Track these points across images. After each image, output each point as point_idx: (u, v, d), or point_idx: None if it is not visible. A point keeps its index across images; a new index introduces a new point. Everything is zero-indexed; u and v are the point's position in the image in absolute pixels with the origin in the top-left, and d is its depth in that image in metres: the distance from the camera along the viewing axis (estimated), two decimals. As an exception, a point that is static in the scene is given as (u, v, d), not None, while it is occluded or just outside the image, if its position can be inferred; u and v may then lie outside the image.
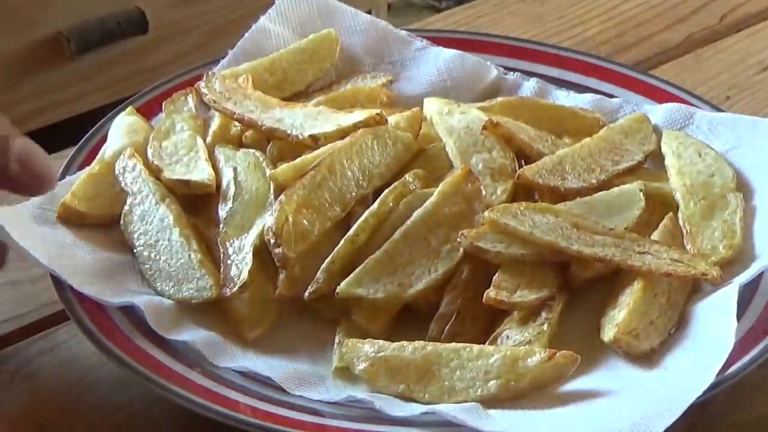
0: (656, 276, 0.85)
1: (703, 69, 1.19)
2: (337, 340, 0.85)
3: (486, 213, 0.87)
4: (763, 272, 0.87)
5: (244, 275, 0.85)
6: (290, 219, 0.87)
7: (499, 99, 1.04)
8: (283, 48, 1.07)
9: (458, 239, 0.86)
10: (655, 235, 0.89)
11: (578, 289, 0.88)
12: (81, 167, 0.96)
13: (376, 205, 0.89)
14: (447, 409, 0.77)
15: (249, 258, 0.86)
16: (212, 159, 0.95)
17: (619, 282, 0.86)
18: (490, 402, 0.79)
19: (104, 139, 0.98)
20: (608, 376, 0.82)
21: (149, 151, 0.95)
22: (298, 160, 0.92)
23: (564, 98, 1.05)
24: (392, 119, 0.96)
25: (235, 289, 0.85)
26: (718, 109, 1.03)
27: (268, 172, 0.92)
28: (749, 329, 0.84)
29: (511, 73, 1.08)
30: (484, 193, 0.91)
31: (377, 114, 0.94)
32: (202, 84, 0.99)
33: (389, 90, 1.06)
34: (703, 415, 0.82)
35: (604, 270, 0.87)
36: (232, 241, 0.88)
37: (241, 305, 0.86)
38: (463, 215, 0.89)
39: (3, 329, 0.91)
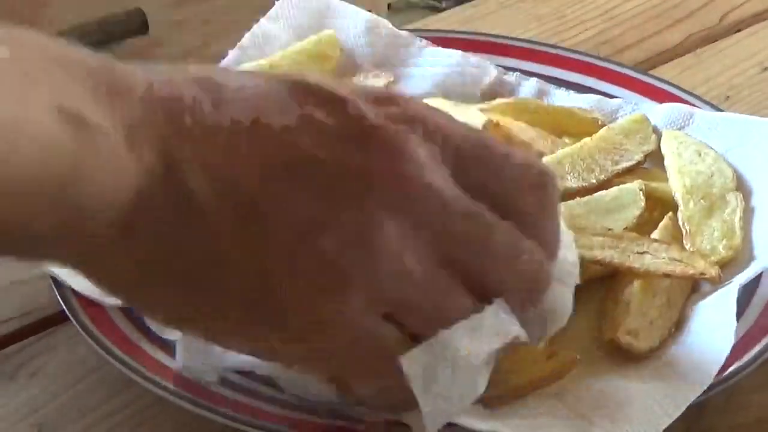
0: (656, 276, 0.85)
1: (703, 69, 1.19)
2: (336, 340, 0.84)
3: (486, 213, 0.87)
4: (762, 272, 0.87)
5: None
6: (290, 219, 0.86)
7: (499, 99, 1.04)
8: (284, 49, 1.07)
9: (458, 239, 0.86)
10: (654, 235, 0.89)
11: (578, 289, 0.87)
12: (81, 167, 0.96)
13: (375, 205, 0.89)
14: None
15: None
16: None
17: (619, 282, 0.86)
18: (490, 402, 0.79)
19: (104, 139, 0.98)
20: (608, 376, 0.82)
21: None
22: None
23: (564, 98, 1.05)
24: (392, 119, 0.96)
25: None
26: (718, 109, 1.03)
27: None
28: (749, 329, 0.84)
29: (511, 73, 1.08)
30: (483, 193, 0.90)
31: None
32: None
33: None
34: (703, 415, 0.82)
35: (604, 271, 0.87)
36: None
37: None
38: (462, 215, 0.88)
39: (3, 329, 0.91)
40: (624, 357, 0.83)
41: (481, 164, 0.69)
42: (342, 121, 0.66)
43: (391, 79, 1.06)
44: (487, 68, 1.08)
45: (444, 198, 0.66)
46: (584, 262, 0.85)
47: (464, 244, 0.67)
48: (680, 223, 0.91)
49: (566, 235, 0.77)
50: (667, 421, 0.75)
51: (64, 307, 0.84)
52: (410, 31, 1.12)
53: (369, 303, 0.66)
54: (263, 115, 0.65)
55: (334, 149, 0.65)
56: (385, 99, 0.69)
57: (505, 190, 0.69)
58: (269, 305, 0.65)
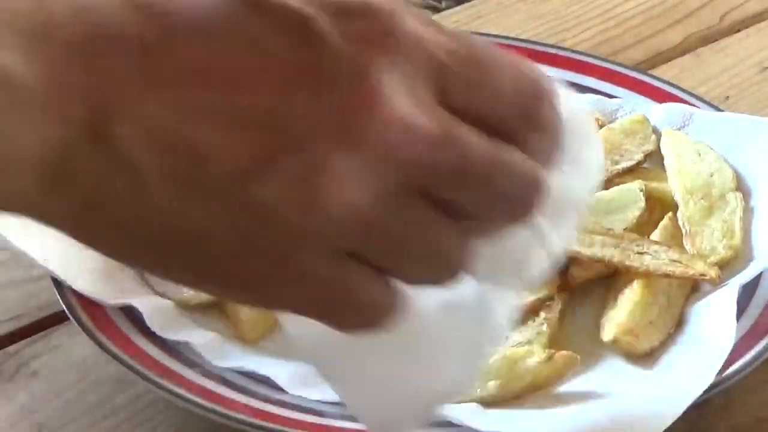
0: (656, 276, 0.85)
1: (703, 69, 1.19)
2: (337, 340, 0.84)
3: (486, 213, 0.87)
4: (762, 272, 0.87)
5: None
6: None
7: (499, 99, 1.03)
8: (283, 48, 1.07)
9: (458, 239, 0.86)
10: (654, 235, 0.89)
11: (578, 289, 0.88)
12: (81, 167, 0.96)
13: (376, 205, 0.89)
14: (446, 410, 0.77)
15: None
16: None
17: (619, 282, 0.86)
18: (490, 402, 0.79)
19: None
20: (608, 376, 0.82)
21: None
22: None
23: (564, 98, 1.05)
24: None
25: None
26: (718, 109, 1.03)
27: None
28: (749, 329, 0.84)
29: (511, 73, 1.08)
30: (483, 193, 0.90)
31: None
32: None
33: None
34: (703, 415, 0.82)
35: (604, 270, 0.87)
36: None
37: (241, 305, 0.86)
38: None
39: (3, 329, 0.91)
40: (624, 357, 0.83)
41: (469, 85, 0.61)
42: (297, 51, 0.58)
43: (391, 79, 1.06)
44: (487, 68, 1.07)
45: (410, 126, 0.58)
46: (584, 262, 0.86)
47: (434, 176, 0.59)
48: (680, 223, 0.91)
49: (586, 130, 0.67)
50: (668, 421, 0.75)
51: (64, 307, 0.84)
52: (410, 31, 1.12)
53: (327, 253, 0.59)
54: (209, 51, 0.58)
55: (284, 86, 0.58)
56: (354, 11, 0.60)
57: (496, 112, 0.61)
58: (217, 266, 0.59)
